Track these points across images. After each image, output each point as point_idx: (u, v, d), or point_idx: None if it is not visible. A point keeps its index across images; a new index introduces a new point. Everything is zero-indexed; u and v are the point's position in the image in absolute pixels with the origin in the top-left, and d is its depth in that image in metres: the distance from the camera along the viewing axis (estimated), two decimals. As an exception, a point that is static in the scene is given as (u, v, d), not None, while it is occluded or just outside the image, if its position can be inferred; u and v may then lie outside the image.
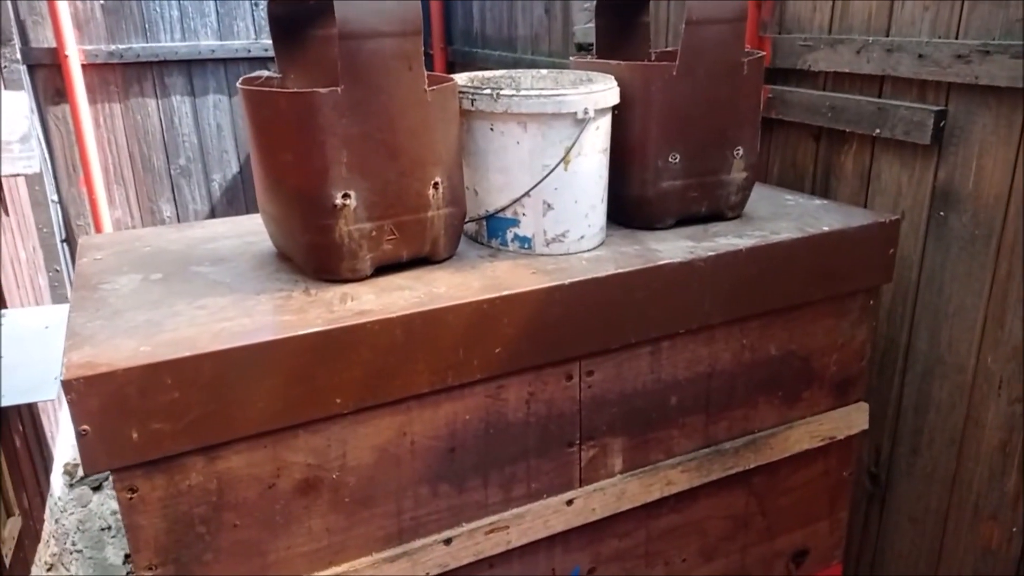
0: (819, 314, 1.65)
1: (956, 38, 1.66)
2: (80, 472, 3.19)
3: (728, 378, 1.59)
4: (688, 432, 1.59)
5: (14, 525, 2.32)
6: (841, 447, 1.80)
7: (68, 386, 1.05)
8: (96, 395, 1.07)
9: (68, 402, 1.06)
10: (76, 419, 1.07)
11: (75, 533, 2.93)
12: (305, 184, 1.29)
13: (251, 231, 1.65)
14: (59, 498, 3.04)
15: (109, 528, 2.97)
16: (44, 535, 2.74)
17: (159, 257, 1.51)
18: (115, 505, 3.07)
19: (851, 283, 1.66)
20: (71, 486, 3.15)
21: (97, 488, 3.17)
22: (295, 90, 1.33)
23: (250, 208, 4.25)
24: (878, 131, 1.83)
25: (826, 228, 1.59)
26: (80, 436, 1.08)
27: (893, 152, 1.85)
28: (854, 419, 1.78)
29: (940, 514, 1.85)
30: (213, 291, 1.33)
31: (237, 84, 1.41)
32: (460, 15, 4.18)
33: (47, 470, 3.04)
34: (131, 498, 1.15)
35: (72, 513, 3.03)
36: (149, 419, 1.10)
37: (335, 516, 1.30)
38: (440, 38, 4.30)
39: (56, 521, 2.92)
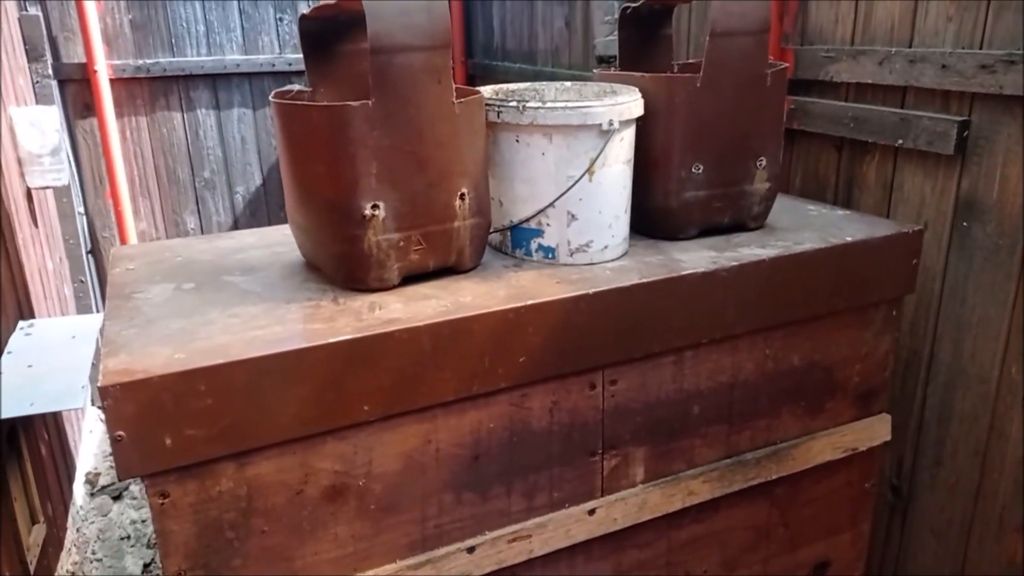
0: (842, 324, 1.65)
1: (980, 48, 1.66)
2: (101, 481, 3.23)
3: (751, 388, 1.59)
4: (710, 442, 1.59)
5: (39, 532, 2.35)
6: (863, 458, 1.79)
7: (105, 392, 1.08)
8: (132, 401, 1.09)
9: (104, 408, 1.09)
10: (111, 425, 1.10)
11: (95, 542, 2.96)
12: (335, 195, 1.31)
13: (279, 242, 1.67)
14: (80, 507, 3.08)
15: (129, 537, 3.00)
16: (66, 543, 2.77)
17: (190, 267, 1.54)
18: (135, 515, 3.10)
19: (874, 294, 1.66)
20: (92, 495, 3.19)
21: (117, 497, 3.20)
22: (327, 103, 1.36)
23: (272, 220, 4.30)
24: (901, 141, 1.83)
25: (849, 238, 1.59)
26: (115, 441, 1.10)
27: (916, 162, 1.85)
28: (877, 430, 1.77)
29: (964, 527, 1.84)
30: (244, 300, 1.36)
31: (269, 98, 1.44)
32: (481, 29, 4.22)
33: (70, 479, 3.08)
34: (163, 503, 1.17)
35: (93, 522, 3.06)
36: (182, 425, 1.13)
37: (361, 523, 1.31)
38: (461, 51, 4.34)
39: (78, 530, 2.96)
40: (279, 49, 4.15)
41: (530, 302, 1.32)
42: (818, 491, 1.78)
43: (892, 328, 1.73)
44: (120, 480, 1.14)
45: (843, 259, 1.58)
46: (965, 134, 1.71)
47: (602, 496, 1.51)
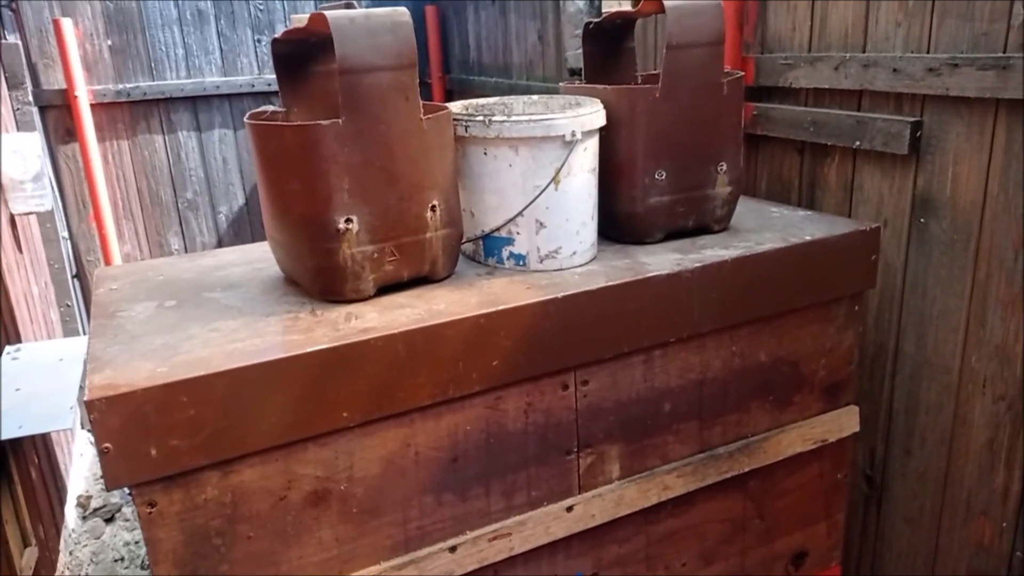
0: (806, 320, 1.71)
1: (927, 52, 1.74)
2: (93, 504, 3.25)
3: (720, 384, 1.65)
4: (683, 438, 1.64)
5: (31, 555, 2.37)
6: (834, 450, 1.85)
7: (91, 406, 1.12)
8: (117, 414, 1.13)
9: (91, 421, 1.13)
10: (98, 437, 1.14)
11: (89, 565, 2.97)
12: (310, 211, 1.37)
13: (259, 258, 1.72)
14: (73, 530, 3.09)
15: (122, 559, 3.02)
16: (59, 566, 2.79)
17: (172, 285, 1.59)
18: (128, 536, 3.11)
19: (836, 289, 1.72)
20: (84, 518, 3.20)
21: (110, 520, 3.21)
22: (299, 123, 1.41)
23: (256, 238, 4.33)
24: (858, 143, 1.90)
25: (808, 237, 1.66)
26: (102, 454, 1.15)
27: (874, 163, 1.92)
28: (845, 422, 1.83)
29: (934, 513, 1.90)
30: (225, 315, 1.40)
31: (244, 119, 1.49)
32: (457, 44, 4.30)
33: (62, 501, 3.09)
34: (150, 512, 1.21)
35: (86, 545, 3.08)
36: (167, 436, 1.17)
37: (344, 526, 1.36)
38: (438, 67, 4.41)
39: (70, 553, 2.97)
40: (258, 70, 4.20)
41: (501, 307, 1.38)
42: (791, 483, 1.83)
43: (855, 322, 1.79)
44: (108, 490, 1.17)
45: (803, 257, 1.65)
46: (918, 134, 1.78)
47: (579, 493, 1.56)
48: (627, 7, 1.78)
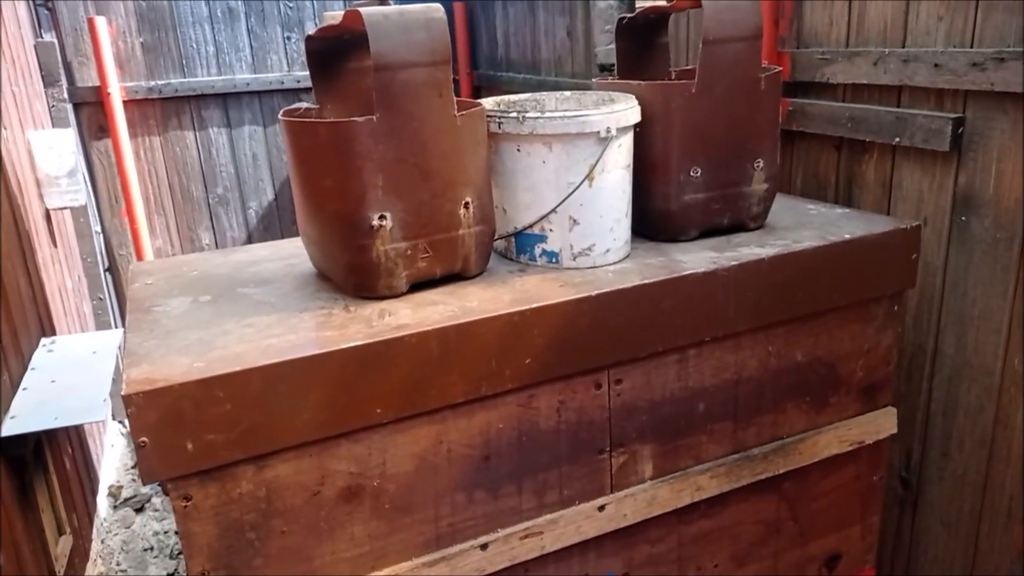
0: (844, 320, 1.68)
1: (971, 47, 1.70)
2: (123, 494, 3.29)
3: (755, 384, 1.63)
4: (717, 438, 1.62)
5: (66, 543, 2.41)
6: (871, 452, 1.82)
7: (128, 400, 1.13)
8: (154, 408, 1.14)
9: (128, 415, 1.14)
10: (135, 432, 1.15)
11: (119, 553, 3.01)
12: (344, 207, 1.36)
13: (291, 254, 1.73)
14: (104, 519, 3.14)
15: (152, 548, 3.06)
16: (92, 554, 2.83)
17: (207, 280, 1.60)
18: (157, 526, 3.15)
19: (875, 289, 1.69)
20: (115, 508, 3.25)
21: (140, 510, 3.26)
22: (333, 120, 1.41)
23: (285, 233, 4.37)
24: (898, 140, 1.86)
25: (847, 236, 1.63)
26: (139, 447, 1.16)
27: (913, 160, 1.88)
28: (882, 424, 1.79)
29: (973, 517, 1.86)
30: (259, 310, 1.41)
31: (279, 116, 1.50)
32: (485, 41, 4.28)
33: (94, 491, 3.14)
34: (186, 506, 1.21)
35: (116, 534, 3.12)
36: (203, 430, 1.18)
37: (376, 522, 1.36)
38: (466, 63, 4.40)
39: (102, 541, 3.02)
40: (287, 67, 4.23)
41: (534, 305, 1.37)
42: (826, 485, 1.80)
43: (894, 322, 1.75)
44: (144, 484, 1.18)
45: (841, 256, 1.62)
46: (960, 131, 1.74)
47: (611, 492, 1.55)
48: (661, 2, 1.76)
